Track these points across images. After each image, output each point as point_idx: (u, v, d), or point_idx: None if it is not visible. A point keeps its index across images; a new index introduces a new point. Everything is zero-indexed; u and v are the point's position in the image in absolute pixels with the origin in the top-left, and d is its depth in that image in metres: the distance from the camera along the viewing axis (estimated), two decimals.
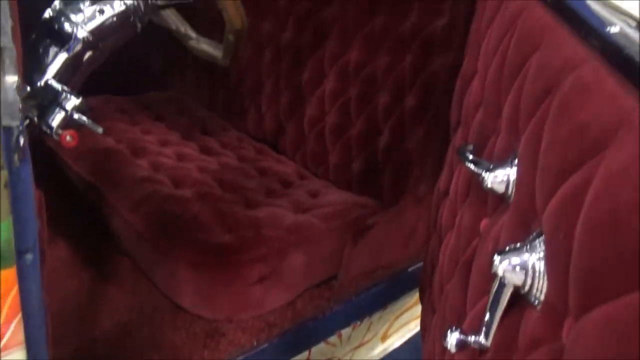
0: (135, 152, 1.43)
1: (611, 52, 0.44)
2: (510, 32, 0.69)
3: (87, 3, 0.99)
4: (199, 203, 1.22)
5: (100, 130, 0.90)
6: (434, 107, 1.29)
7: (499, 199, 0.64)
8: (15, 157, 0.64)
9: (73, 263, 1.32)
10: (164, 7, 1.10)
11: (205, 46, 1.15)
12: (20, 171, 0.64)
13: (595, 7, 0.56)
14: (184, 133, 1.62)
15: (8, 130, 0.62)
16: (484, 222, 0.70)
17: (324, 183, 1.47)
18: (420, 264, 1.21)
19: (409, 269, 1.42)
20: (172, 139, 1.56)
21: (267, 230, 1.16)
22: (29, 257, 0.71)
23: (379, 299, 1.42)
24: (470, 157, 0.69)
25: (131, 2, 1.01)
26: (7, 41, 0.60)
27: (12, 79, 0.62)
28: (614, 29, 0.46)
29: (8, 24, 0.59)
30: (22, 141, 0.65)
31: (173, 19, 1.15)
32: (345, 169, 1.45)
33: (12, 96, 0.62)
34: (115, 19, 1.00)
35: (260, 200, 1.29)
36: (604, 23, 0.49)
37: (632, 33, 0.48)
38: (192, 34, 1.17)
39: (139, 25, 1.03)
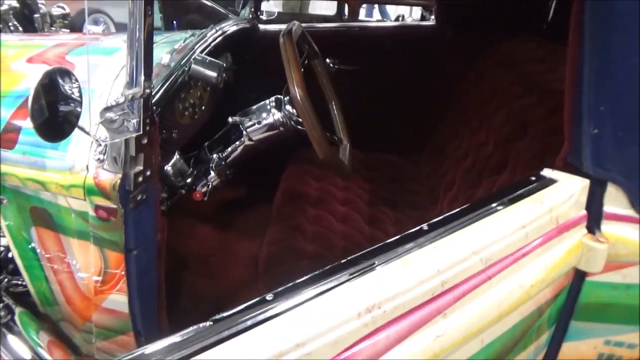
0: (317, 201, 1.88)
1: None
2: None
3: (253, 116, 1.51)
4: (307, 262, 1.59)
5: (205, 198, 1.44)
6: None
7: None
8: (131, 204, 1.16)
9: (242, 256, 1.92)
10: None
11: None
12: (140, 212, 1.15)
13: None
14: (372, 197, 1.97)
15: (128, 192, 1.16)
16: None
17: None
18: None
19: None
20: (356, 201, 1.94)
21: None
22: (135, 252, 1.21)
23: None
24: None
25: (280, 119, 1.47)
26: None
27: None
28: None
29: None
30: (139, 197, 1.17)
31: None
32: None
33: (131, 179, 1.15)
34: (267, 127, 1.49)
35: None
36: None
37: None
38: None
39: (284, 132, 1.49)
